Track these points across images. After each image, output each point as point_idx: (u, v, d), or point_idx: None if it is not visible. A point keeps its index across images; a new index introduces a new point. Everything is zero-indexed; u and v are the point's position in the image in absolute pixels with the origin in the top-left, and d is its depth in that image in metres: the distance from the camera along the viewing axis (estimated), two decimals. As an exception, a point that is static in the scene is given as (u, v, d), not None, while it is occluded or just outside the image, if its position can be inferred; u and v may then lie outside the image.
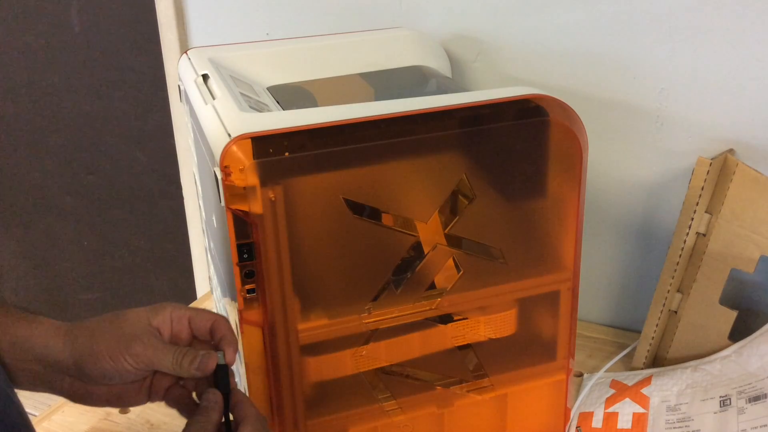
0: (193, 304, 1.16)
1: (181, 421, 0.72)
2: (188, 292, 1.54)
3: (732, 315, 0.86)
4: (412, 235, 0.67)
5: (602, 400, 0.86)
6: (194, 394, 0.62)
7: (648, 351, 0.91)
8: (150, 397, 0.62)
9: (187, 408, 0.61)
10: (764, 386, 0.77)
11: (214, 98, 0.72)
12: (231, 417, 0.59)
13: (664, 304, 0.89)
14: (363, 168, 0.64)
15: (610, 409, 0.84)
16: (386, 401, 0.72)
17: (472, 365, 0.74)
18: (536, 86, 0.69)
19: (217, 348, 0.61)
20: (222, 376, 0.59)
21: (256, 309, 0.64)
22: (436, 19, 1.01)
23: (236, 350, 0.61)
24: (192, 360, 0.59)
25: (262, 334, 0.65)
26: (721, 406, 0.78)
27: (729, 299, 0.88)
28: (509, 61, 0.99)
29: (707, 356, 0.87)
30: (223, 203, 0.60)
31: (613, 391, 0.87)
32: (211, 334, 0.62)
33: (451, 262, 0.69)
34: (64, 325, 0.60)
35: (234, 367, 0.75)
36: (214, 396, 0.58)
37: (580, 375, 0.92)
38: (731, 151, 0.89)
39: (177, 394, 0.62)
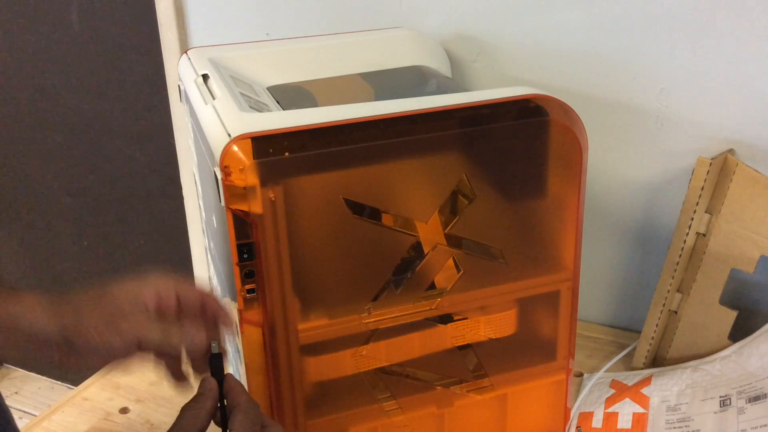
0: (193, 304, 1.16)
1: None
2: (188, 292, 1.54)
3: (732, 315, 0.86)
4: (412, 235, 0.67)
5: (602, 400, 0.86)
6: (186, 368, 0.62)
7: (648, 351, 0.91)
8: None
9: (175, 374, 0.62)
10: (764, 386, 0.77)
11: (214, 98, 0.72)
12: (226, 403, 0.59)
13: (664, 304, 0.89)
14: (363, 168, 0.64)
15: (610, 409, 0.84)
16: (386, 401, 0.72)
17: (472, 365, 0.74)
18: (536, 86, 0.69)
19: (209, 326, 0.61)
20: (215, 364, 0.60)
21: (256, 309, 0.64)
22: (436, 19, 1.01)
23: (232, 324, 0.62)
24: (180, 339, 0.59)
25: (262, 334, 0.65)
26: (721, 406, 0.78)
27: (729, 299, 0.88)
28: (509, 61, 0.99)
29: (707, 356, 0.87)
30: (223, 203, 0.60)
31: (613, 391, 0.87)
32: (202, 312, 0.62)
33: (451, 262, 0.69)
34: (47, 299, 0.60)
35: (233, 368, 0.75)
36: (208, 384, 0.59)
37: (580, 375, 0.92)
38: (731, 151, 0.89)
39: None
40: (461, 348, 0.73)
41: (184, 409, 0.57)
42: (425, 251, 0.68)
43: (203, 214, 0.88)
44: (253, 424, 0.57)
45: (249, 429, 0.57)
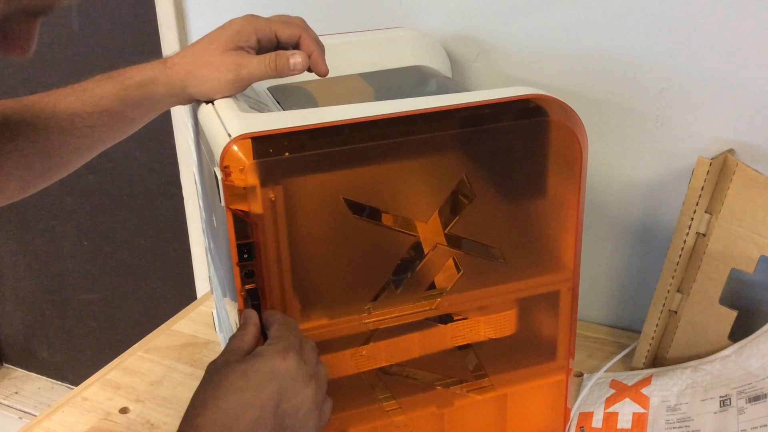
0: (192, 304, 1.16)
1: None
2: (188, 292, 1.54)
3: (732, 315, 0.86)
4: (412, 235, 0.67)
5: (602, 400, 0.86)
6: None
7: (648, 351, 0.91)
8: None
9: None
10: (764, 386, 0.77)
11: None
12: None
13: (664, 304, 0.89)
14: (363, 168, 0.64)
15: (610, 409, 0.84)
16: (386, 401, 0.72)
17: (472, 365, 0.74)
18: (536, 86, 0.69)
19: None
20: (255, 301, 0.63)
21: (256, 309, 0.64)
22: (436, 19, 1.01)
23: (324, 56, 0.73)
24: (285, 60, 0.69)
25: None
26: (721, 406, 0.78)
27: (729, 299, 0.88)
28: (509, 61, 0.99)
29: (707, 356, 0.87)
30: (223, 203, 0.60)
31: (613, 391, 0.87)
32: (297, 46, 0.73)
33: (451, 262, 0.69)
34: (159, 65, 0.71)
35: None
36: (249, 313, 0.63)
37: (580, 375, 0.92)
38: (731, 151, 0.89)
39: None
40: (461, 348, 0.73)
41: (231, 338, 0.60)
42: (425, 251, 0.68)
43: (203, 214, 0.88)
44: (289, 330, 0.60)
45: (286, 333, 0.59)
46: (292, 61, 0.70)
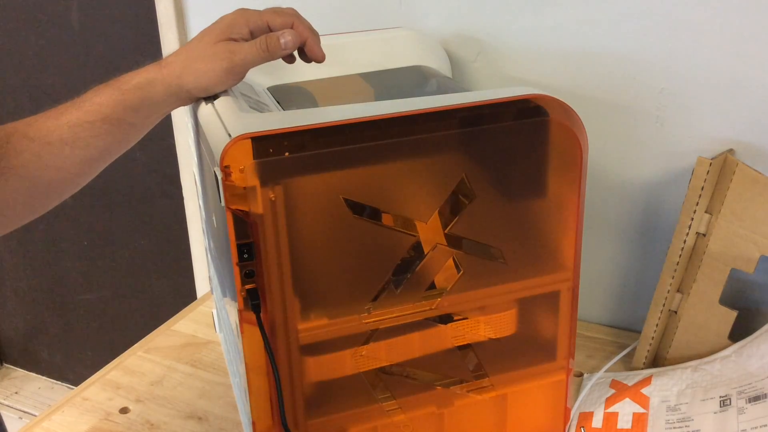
0: (192, 304, 1.16)
1: (181, 421, 0.72)
2: (188, 292, 1.54)
3: (732, 315, 0.86)
4: (412, 235, 0.67)
5: (602, 400, 0.86)
6: None
7: (648, 351, 0.91)
8: None
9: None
10: (764, 386, 0.77)
11: (214, 98, 0.72)
12: None
13: (664, 304, 0.89)
14: (363, 168, 0.64)
15: (610, 409, 0.84)
16: (386, 401, 0.72)
17: (472, 365, 0.74)
18: (536, 86, 0.69)
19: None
20: (255, 301, 0.64)
21: (255, 309, 0.64)
22: (436, 19, 1.01)
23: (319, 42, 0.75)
24: (276, 40, 0.71)
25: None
26: (721, 406, 0.78)
27: (729, 299, 0.88)
28: (509, 61, 0.99)
29: (707, 356, 0.87)
30: (223, 203, 0.60)
31: (613, 391, 0.87)
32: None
33: (451, 262, 0.69)
34: (153, 68, 0.71)
35: (234, 367, 0.75)
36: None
37: (580, 375, 0.92)
38: (731, 151, 0.89)
39: None
40: (461, 348, 0.73)
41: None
42: (425, 251, 0.68)
43: (203, 214, 0.88)
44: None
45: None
46: (282, 40, 0.71)
